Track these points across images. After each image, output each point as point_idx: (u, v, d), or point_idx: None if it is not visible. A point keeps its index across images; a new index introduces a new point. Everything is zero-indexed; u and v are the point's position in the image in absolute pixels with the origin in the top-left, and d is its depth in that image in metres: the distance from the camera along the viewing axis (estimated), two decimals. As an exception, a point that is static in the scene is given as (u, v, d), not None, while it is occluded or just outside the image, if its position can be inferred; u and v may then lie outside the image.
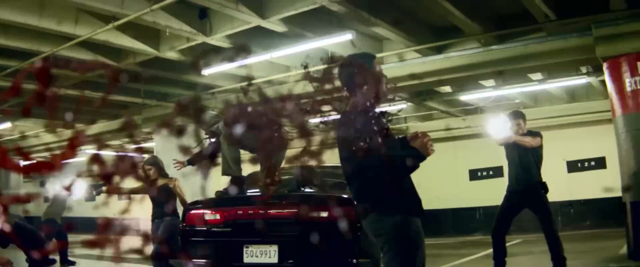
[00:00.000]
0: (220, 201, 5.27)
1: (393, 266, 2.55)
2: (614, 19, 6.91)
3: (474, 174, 14.20)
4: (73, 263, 8.68)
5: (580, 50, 7.37)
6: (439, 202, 14.58)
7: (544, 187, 5.35)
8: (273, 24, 6.92)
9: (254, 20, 6.74)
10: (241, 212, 5.09)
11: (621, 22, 6.85)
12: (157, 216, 5.89)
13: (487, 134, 5.63)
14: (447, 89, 11.27)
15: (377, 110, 2.67)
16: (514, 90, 10.96)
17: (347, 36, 6.97)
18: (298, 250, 4.81)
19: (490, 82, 10.61)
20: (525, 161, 5.36)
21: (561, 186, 12.74)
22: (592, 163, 12.57)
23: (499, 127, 5.42)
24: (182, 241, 5.35)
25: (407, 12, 7.67)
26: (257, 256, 4.91)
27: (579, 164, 12.89)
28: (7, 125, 12.61)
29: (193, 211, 5.32)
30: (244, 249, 4.94)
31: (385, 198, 2.57)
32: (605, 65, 7.17)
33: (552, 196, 12.90)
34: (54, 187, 8.50)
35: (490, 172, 13.49)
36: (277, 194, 5.14)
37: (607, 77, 7.18)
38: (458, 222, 14.18)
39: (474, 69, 8.12)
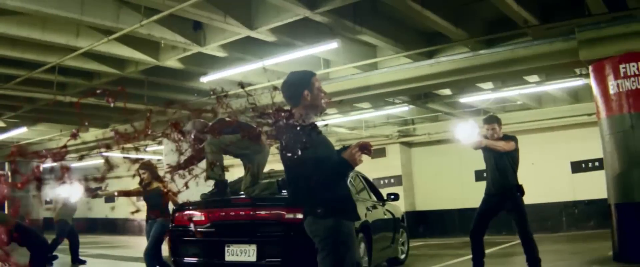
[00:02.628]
0: (205, 203, 5.60)
1: (325, 265, 2.81)
2: (596, 23, 6.95)
3: (480, 175, 14.21)
4: (84, 262, 9.10)
5: (565, 53, 7.41)
6: (446, 202, 14.69)
7: (519, 190, 5.43)
8: (262, 34, 7.17)
9: (243, 31, 7.00)
10: (224, 213, 5.42)
11: (603, 25, 6.89)
12: (150, 217, 6.24)
13: (457, 140, 5.77)
14: (447, 91, 11.39)
15: (311, 122, 2.95)
16: (512, 93, 10.99)
17: (333, 44, 7.22)
18: (275, 249, 5.12)
19: (488, 85, 10.69)
20: (501, 164, 5.48)
21: (565, 186, 12.74)
22: (596, 163, 12.45)
23: (468, 132, 5.56)
24: (170, 240, 5.71)
25: (393, 19, 7.83)
26: (237, 255, 5.22)
27: (583, 165, 12.80)
28: (23, 130, 13.17)
29: (181, 213, 5.67)
30: (226, 248, 5.27)
31: (319, 202, 2.83)
32: (590, 69, 7.23)
33: (557, 197, 12.79)
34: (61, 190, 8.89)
35: (496, 173, 13.49)
36: (257, 197, 5.45)
37: (592, 79, 7.23)
38: (464, 222, 14.19)
39: (464, 73, 8.23)
